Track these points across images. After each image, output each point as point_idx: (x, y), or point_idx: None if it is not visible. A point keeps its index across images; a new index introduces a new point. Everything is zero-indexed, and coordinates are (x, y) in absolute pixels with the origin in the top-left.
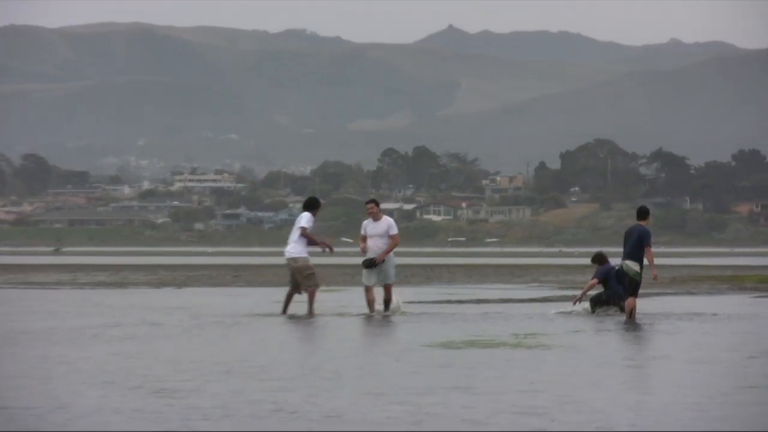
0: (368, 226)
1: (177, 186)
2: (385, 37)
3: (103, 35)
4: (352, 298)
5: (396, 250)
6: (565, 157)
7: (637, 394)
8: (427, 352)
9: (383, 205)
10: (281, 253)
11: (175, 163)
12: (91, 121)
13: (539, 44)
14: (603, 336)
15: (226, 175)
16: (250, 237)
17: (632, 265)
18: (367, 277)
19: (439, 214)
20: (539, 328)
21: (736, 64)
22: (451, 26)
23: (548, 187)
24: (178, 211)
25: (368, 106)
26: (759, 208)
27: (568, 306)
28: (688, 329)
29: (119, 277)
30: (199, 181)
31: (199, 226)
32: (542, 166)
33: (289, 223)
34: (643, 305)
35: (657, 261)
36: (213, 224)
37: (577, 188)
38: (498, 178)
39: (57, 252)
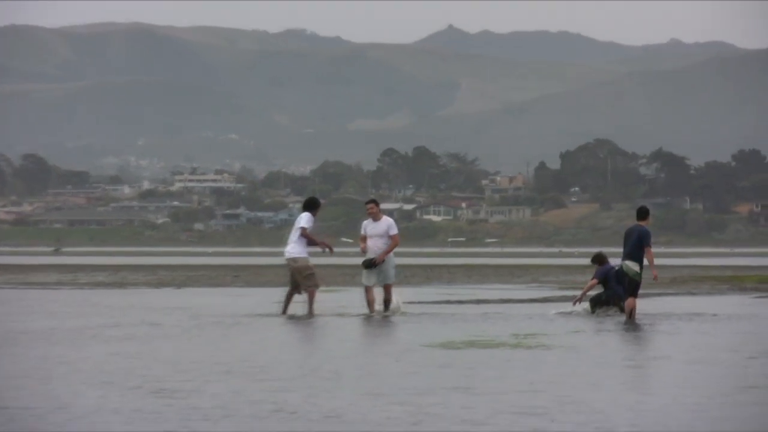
0: (368, 226)
1: (177, 186)
2: (385, 37)
3: (103, 35)
4: (352, 298)
5: (396, 250)
6: (564, 157)
7: (637, 394)
8: (426, 353)
9: (383, 206)
10: (281, 254)
11: (175, 163)
12: (90, 121)
13: (539, 44)
14: (603, 336)
15: (226, 175)
16: (250, 237)
17: (632, 266)
18: (366, 277)
19: (439, 214)
20: (539, 329)
21: (736, 64)
22: (451, 26)
23: (548, 187)
24: (177, 211)
25: (368, 106)
26: (759, 209)
27: (568, 306)
28: (688, 330)
29: (119, 278)
30: (199, 181)
31: (199, 226)
32: (542, 166)
33: (289, 224)
34: (643, 306)
35: (657, 261)
36: (213, 224)
37: (576, 188)
38: (498, 178)
39: (57, 252)
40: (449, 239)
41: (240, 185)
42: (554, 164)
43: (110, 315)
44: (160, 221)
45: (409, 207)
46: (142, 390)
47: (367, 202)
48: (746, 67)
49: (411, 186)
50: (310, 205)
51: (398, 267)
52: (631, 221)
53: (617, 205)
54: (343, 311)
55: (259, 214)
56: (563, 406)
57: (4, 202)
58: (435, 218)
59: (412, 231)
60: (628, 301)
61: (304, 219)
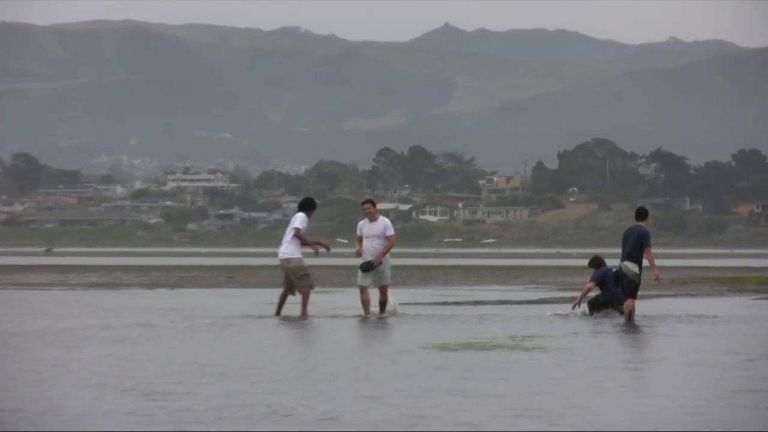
0: (364, 226)
1: (170, 186)
2: (381, 36)
3: (96, 33)
4: (347, 299)
5: (392, 251)
6: (563, 156)
7: (636, 396)
8: (423, 355)
9: (378, 206)
10: (275, 254)
11: (167, 162)
12: (83, 120)
13: (536, 42)
14: (601, 338)
15: (219, 174)
16: (244, 237)
17: (631, 267)
18: (362, 278)
19: (435, 214)
20: (537, 331)
21: (735, 62)
22: (447, 24)
23: (546, 187)
24: (170, 211)
25: (363, 105)
26: (759, 209)
27: (565, 308)
28: (688, 331)
29: (111, 278)
30: (192, 180)
31: (192, 226)
32: (540, 166)
33: (284, 224)
34: (642, 307)
35: (656, 262)
36: (206, 224)
37: (575, 188)
38: (495, 178)
39: (48, 252)
40: (446, 240)
41: (234, 185)
42: (552, 164)
43: (103, 316)
44: (152, 221)
45: (405, 207)
46: (135, 392)
47: (364, 203)
48: (746, 65)
49: (407, 186)
50: (306, 206)
51: (394, 268)
52: (630, 222)
53: (616, 205)
54: (338, 312)
55: (253, 214)
56: (561, 408)
57: None
58: (431, 219)
59: (408, 231)
60: (627, 303)
61: (299, 220)
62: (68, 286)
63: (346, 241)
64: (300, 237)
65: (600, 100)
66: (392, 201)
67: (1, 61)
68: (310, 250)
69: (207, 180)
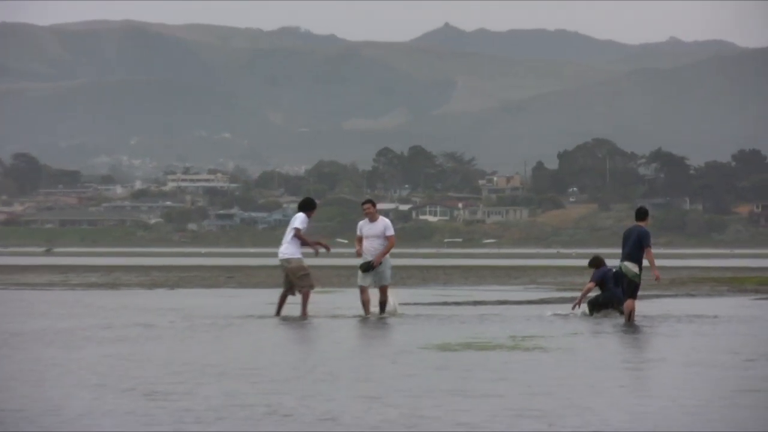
0: (364, 227)
1: (170, 186)
2: (381, 36)
3: (96, 33)
4: (347, 299)
5: (391, 251)
6: (563, 156)
7: (636, 397)
8: (423, 355)
9: (378, 206)
10: (275, 254)
11: (167, 162)
12: (83, 120)
13: (536, 42)
14: (601, 338)
15: (219, 174)
16: (244, 237)
17: (631, 267)
18: (362, 278)
19: (435, 214)
20: (537, 331)
21: (735, 62)
22: (447, 24)
23: (546, 187)
24: (170, 211)
25: (363, 105)
26: (759, 209)
27: (565, 309)
28: (688, 332)
29: (111, 278)
30: (192, 180)
31: (192, 226)
32: (540, 166)
33: (284, 224)
34: (642, 307)
35: (656, 262)
36: (206, 225)
37: (575, 188)
38: (495, 179)
39: (48, 253)
40: (446, 240)
41: (234, 185)
42: (552, 164)
43: (103, 316)
44: (152, 221)
45: (404, 207)
46: (135, 392)
47: (364, 203)
48: (746, 65)
49: (407, 186)
50: (306, 206)
51: (394, 268)
52: (630, 222)
53: (616, 205)
54: (337, 313)
55: (253, 214)
56: (561, 408)
57: None
58: (431, 219)
59: (408, 232)
60: (627, 303)
61: (299, 220)
62: (68, 286)
63: (346, 242)
64: (300, 237)
65: (600, 100)
66: (392, 201)
67: (1, 61)
68: (310, 250)
69: (207, 180)
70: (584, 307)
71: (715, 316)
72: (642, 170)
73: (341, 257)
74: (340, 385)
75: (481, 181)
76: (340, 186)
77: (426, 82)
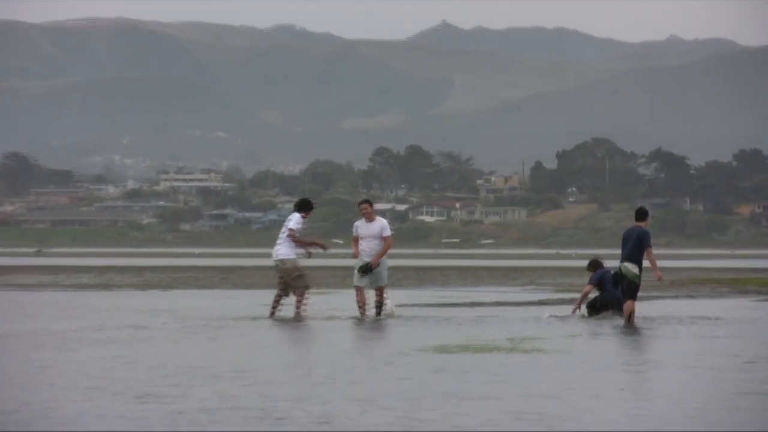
0: (361, 227)
1: (163, 186)
2: (377, 34)
3: (88, 31)
4: (343, 300)
5: (388, 251)
6: (561, 156)
7: (635, 399)
8: (420, 357)
9: (375, 206)
10: (270, 255)
11: (160, 162)
12: (75, 119)
13: (535, 41)
14: (600, 340)
15: (213, 174)
16: (238, 238)
17: (631, 268)
18: (358, 278)
19: (432, 214)
20: (535, 332)
21: (736, 61)
22: (444, 22)
23: (545, 187)
24: (164, 211)
25: (360, 104)
26: (761, 209)
27: (564, 311)
28: (688, 333)
29: (103, 279)
30: (185, 180)
31: (185, 226)
32: (538, 165)
33: (278, 224)
34: (642, 309)
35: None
36: (200, 225)
37: (574, 188)
38: (493, 178)
39: (39, 253)
40: (443, 240)
41: (228, 185)
42: (551, 164)
43: (95, 318)
44: (145, 222)
45: (401, 207)
46: (127, 395)
47: (361, 203)
48: (747, 64)
49: (404, 186)
50: (302, 206)
51: (391, 269)
52: (630, 222)
53: (616, 205)
54: (333, 314)
55: (248, 214)
56: (560, 411)
57: None
58: (428, 219)
59: (404, 232)
60: (627, 304)
61: (294, 220)
62: (60, 287)
63: (341, 242)
64: (294, 238)
65: (599, 99)
66: (389, 201)
67: None
68: (302, 251)
69: (200, 180)
70: (583, 309)
71: (716, 318)
72: (642, 170)
73: (337, 258)
74: (335, 388)
75: (479, 181)
76: (335, 186)
77: (423, 80)
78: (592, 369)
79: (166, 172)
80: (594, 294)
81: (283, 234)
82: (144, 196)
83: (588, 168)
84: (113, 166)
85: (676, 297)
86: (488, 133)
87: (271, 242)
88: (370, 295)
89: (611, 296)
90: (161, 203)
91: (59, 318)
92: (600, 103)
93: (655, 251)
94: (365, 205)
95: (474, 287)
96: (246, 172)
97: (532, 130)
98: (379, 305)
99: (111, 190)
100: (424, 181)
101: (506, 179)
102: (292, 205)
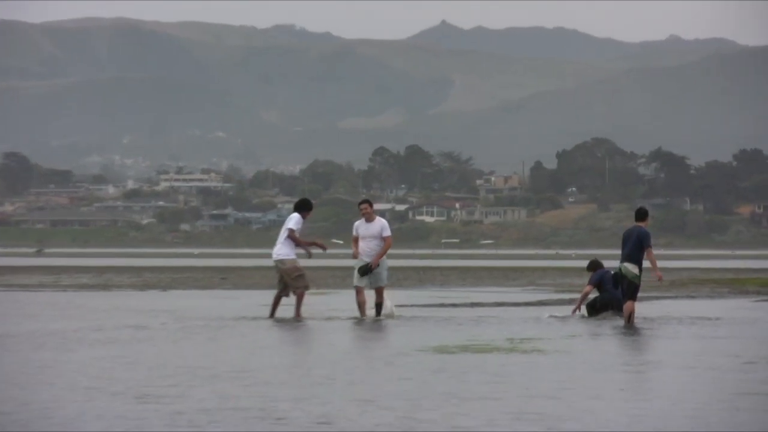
0: (360, 227)
1: (162, 186)
2: (377, 33)
3: (88, 31)
4: (343, 301)
5: (388, 252)
6: (561, 156)
7: (635, 399)
8: (419, 357)
9: (374, 206)
10: (269, 255)
11: (160, 162)
12: (74, 119)
13: (535, 40)
14: (600, 341)
15: (212, 174)
16: (238, 238)
17: (631, 268)
18: (358, 279)
19: (432, 215)
20: (535, 333)
21: (736, 60)
22: (444, 22)
23: (544, 187)
24: (163, 211)
25: (359, 104)
26: (761, 210)
27: (563, 311)
28: (688, 334)
29: (103, 280)
30: (185, 180)
31: (185, 226)
32: (538, 165)
33: (278, 224)
34: (642, 309)
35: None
36: (199, 225)
37: (574, 188)
38: (493, 178)
39: (39, 253)
40: (443, 241)
41: (227, 185)
42: (551, 164)
43: (94, 318)
44: (145, 222)
45: (401, 207)
46: (127, 395)
47: (361, 203)
48: (747, 64)
49: (403, 186)
50: (301, 207)
51: (390, 269)
52: (630, 222)
53: (615, 205)
54: (333, 314)
55: (247, 214)
56: (560, 411)
57: None
58: (428, 219)
59: (404, 232)
60: (627, 305)
61: (293, 220)
62: (59, 287)
63: (341, 242)
64: (293, 238)
65: (599, 99)
66: (388, 201)
67: None
68: (301, 251)
69: (200, 180)
70: (583, 310)
71: (716, 318)
72: (642, 170)
73: (336, 258)
74: (335, 388)
75: (478, 181)
76: (335, 186)
77: (423, 80)
78: (592, 369)
79: (166, 172)
80: (594, 294)
81: (283, 234)
82: (144, 196)
83: (588, 168)
84: (113, 166)
85: (676, 297)
86: (488, 133)
87: (271, 242)
88: (370, 296)
89: (611, 297)
90: (161, 203)
91: (59, 318)
92: (600, 103)
93: (655, 251)
94: (365, 206)
95: (474, 287)
96: (246, 172)
97: (532, 130)
98: (379, 306)
99: (111, 190)
100: (424, 181)
101: (506, 179)
102: (291, 205)
